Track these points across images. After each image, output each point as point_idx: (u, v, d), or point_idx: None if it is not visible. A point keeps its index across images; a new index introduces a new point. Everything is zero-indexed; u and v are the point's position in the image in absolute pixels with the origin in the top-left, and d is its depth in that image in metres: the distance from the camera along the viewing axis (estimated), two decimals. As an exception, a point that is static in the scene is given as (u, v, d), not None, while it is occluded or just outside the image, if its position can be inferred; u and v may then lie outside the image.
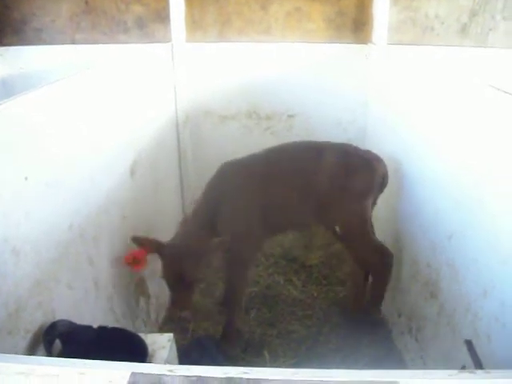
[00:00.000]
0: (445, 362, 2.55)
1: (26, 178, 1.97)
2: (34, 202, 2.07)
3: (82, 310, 2.44)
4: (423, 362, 2.84)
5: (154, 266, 3.07)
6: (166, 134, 4.06)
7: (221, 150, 4.30)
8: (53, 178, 2.23)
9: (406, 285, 3.18)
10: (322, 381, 0.79)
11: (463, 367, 2.31)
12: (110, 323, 2.75)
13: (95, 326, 2.22)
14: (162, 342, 2.22)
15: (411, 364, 3.01)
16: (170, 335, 2.26)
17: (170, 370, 0.79)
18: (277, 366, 3.07)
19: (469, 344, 2.25)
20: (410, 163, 3.10)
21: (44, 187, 2.15)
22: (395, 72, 3.47)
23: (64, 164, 2.35)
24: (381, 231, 3.59)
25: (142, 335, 2.24)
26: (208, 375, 0.75)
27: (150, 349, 2.15)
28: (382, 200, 3.33)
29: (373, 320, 3.49)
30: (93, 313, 2.57)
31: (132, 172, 3.19)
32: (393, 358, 3.16)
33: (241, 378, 0.74)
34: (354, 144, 3.66)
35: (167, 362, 2.15)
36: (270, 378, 0.77)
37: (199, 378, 0.75)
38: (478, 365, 2.14)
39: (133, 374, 0.79)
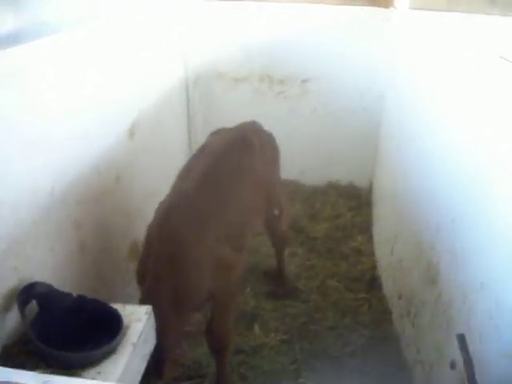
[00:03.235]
0: (437, 353, 2.43)
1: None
2: (12, 156, 1.97)
3: (64, 273, 2.39)
4: (417, 350, 2.73)
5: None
6: (174, 96, 3.92)
7: (232, 115, 4.15)
8: (36, 133, 2.13)
9: (408, 265, 3.03)
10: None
11: (452, 363, 2.19)
12: (97, 288, 2.72)
13: (78, 292, 2.17)
14: (139, 314, 2.14)
15: (406, 351, 2.90)
16: (149, 307, 2.18)
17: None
18: (267, 341, 3.01)
19: (461, 339, 2.11)
20: (423, 138, 2.90)
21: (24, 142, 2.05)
22: (416, 39, 3.23)
23: (51, 118, 2.24)
24: (389, 207, 3.44)
25: (120, 305, 2.18)
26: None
27: (126, 320, 2.09)
28: (391, 177, 3.17)
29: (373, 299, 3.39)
30: (77, 277, 2.52)
31: (131, 133, 3.08)
32: (389, 343, 3.06)
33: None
34: (370, 113, 3.48)
35: (143, 334, 2.08)
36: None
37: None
38: (468, 363, 2.01)
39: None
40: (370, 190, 4.28)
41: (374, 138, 3.94)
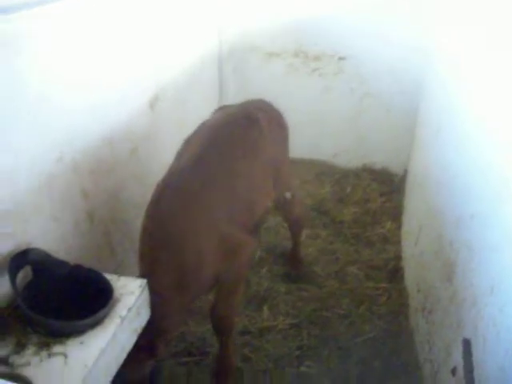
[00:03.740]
0: (446, 354, 2.30)
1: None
2: (18, 119, 1.96)
3: (70, 243, 2.40)
4: (429, 348, 2.60)
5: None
6: (206, 69, 3.85)
7: (265, 90, 4.07)
8: (45, 99, 2.10)
9: (428, 259, 2.88)
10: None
11: (454, 369, 2.06)
12: (106, 259, 2.73)
13: (85, 262, 2.16)
14: (132, 287, 2.12)
15: (419, 348, 2.78)
16: (144, 281, 2.16)
17: None
18: (275, 324, 2.95)
19: (466, 344, 1.98)
20: (451, 126, 2.71)
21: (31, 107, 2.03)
22: (459, 17, 2.99)
23: (63, 84, 2.21)
24: (417, 196, 3.28)
25: (115, 277, 2.17)
26: None
27: (118, 292, 2.08)
28: (424, 164, 3.00)
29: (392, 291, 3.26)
30: (85, 247, 2.52)
31: (151, 105, 3.05)
32: (403, 337, 2.93)
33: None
34: (408, 97, 3.29)
35: (134, 308, 2.06)
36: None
37: None
38: (469, 370, 1.88)
39: None
40: (403, 177, 4.09)
41: (412, 122, 3.74)
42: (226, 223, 2.43)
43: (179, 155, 2.62)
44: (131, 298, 2.08)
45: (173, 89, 3.34)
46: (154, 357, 2.33)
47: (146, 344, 2.23)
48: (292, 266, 3.43)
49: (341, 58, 3.83)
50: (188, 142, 2.66)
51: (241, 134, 2.69)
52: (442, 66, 3.14)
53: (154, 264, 2.29)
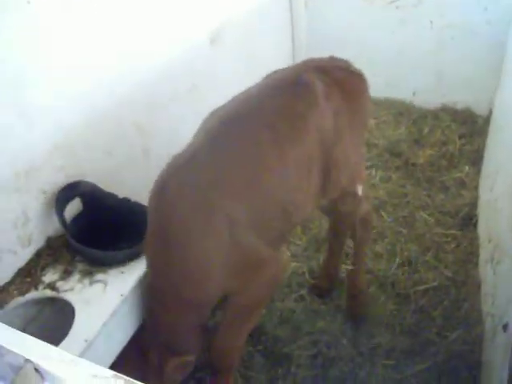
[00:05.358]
0: (504, 309, 2.12)
1: (28, 2, 1.83)
2: (51, 48, 1.96)
3: (123, 178, 2.44)
4: (492, 301, 2.42)
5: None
6: (274, 4, 3.68)
7: (340, 26, 3.86)
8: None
9: (502, 206, 2.64)
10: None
11: (505, 325, 1.91)
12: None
13: (139, 196, 2.20)
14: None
15: (483, 301, 2.60)
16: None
17: None
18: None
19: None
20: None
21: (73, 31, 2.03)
22: None
23: (112, 16, 2.22)
24: (498, 138, 3.00)
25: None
26: None
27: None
28: (503, 106, 2.71)
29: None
30: (142, 182, 2.55)
31: (212, 41, 2.97)
32: (468, 288, 2.76)
33: None
34: (496, 28, 2.96)
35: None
36: None
37: None
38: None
39: None
40: (488, 117, 3.73)
41: (499, 57, 3.35)
42: (246, 230, 1.89)
43: (197, 133, 2.05)
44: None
45: (238, 25, 3.23)
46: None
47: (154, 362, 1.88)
48: (349, 295, 2.70)
49: (420, -13, 3.50)
50: (211, 117, 2.09)
51: (280, 106, 2.03)
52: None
53: (154, 268, 1.91)
